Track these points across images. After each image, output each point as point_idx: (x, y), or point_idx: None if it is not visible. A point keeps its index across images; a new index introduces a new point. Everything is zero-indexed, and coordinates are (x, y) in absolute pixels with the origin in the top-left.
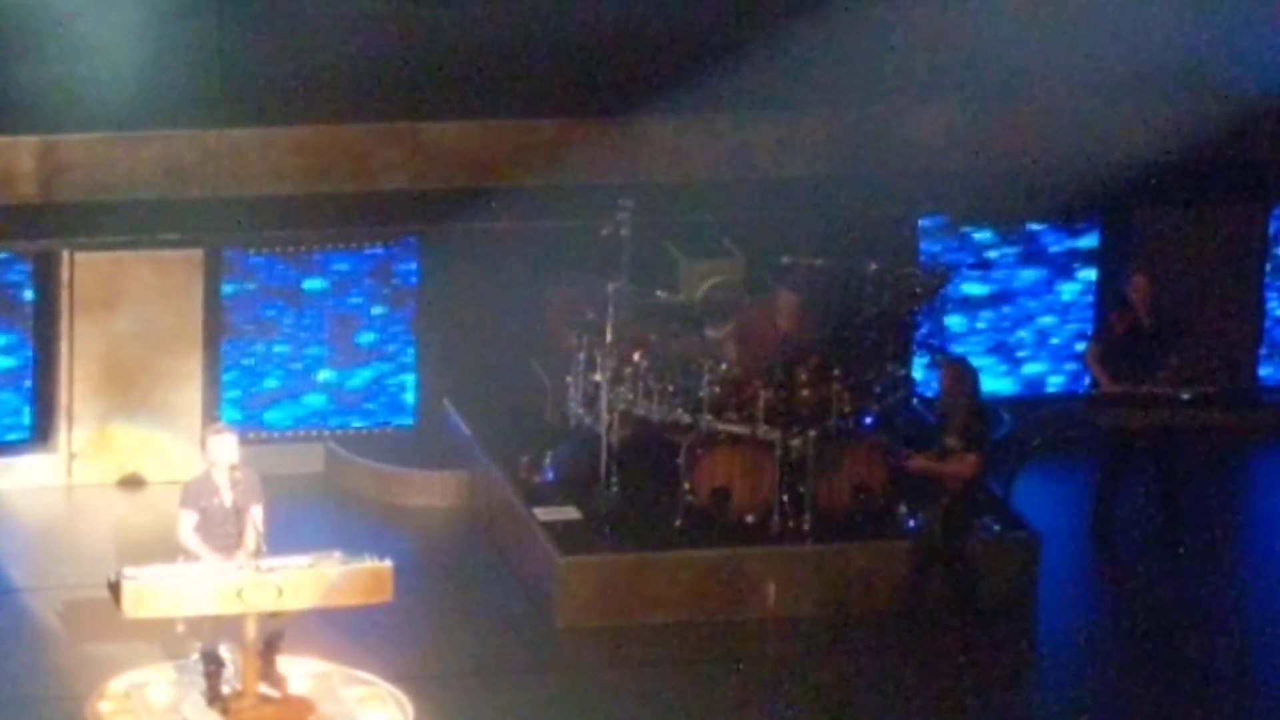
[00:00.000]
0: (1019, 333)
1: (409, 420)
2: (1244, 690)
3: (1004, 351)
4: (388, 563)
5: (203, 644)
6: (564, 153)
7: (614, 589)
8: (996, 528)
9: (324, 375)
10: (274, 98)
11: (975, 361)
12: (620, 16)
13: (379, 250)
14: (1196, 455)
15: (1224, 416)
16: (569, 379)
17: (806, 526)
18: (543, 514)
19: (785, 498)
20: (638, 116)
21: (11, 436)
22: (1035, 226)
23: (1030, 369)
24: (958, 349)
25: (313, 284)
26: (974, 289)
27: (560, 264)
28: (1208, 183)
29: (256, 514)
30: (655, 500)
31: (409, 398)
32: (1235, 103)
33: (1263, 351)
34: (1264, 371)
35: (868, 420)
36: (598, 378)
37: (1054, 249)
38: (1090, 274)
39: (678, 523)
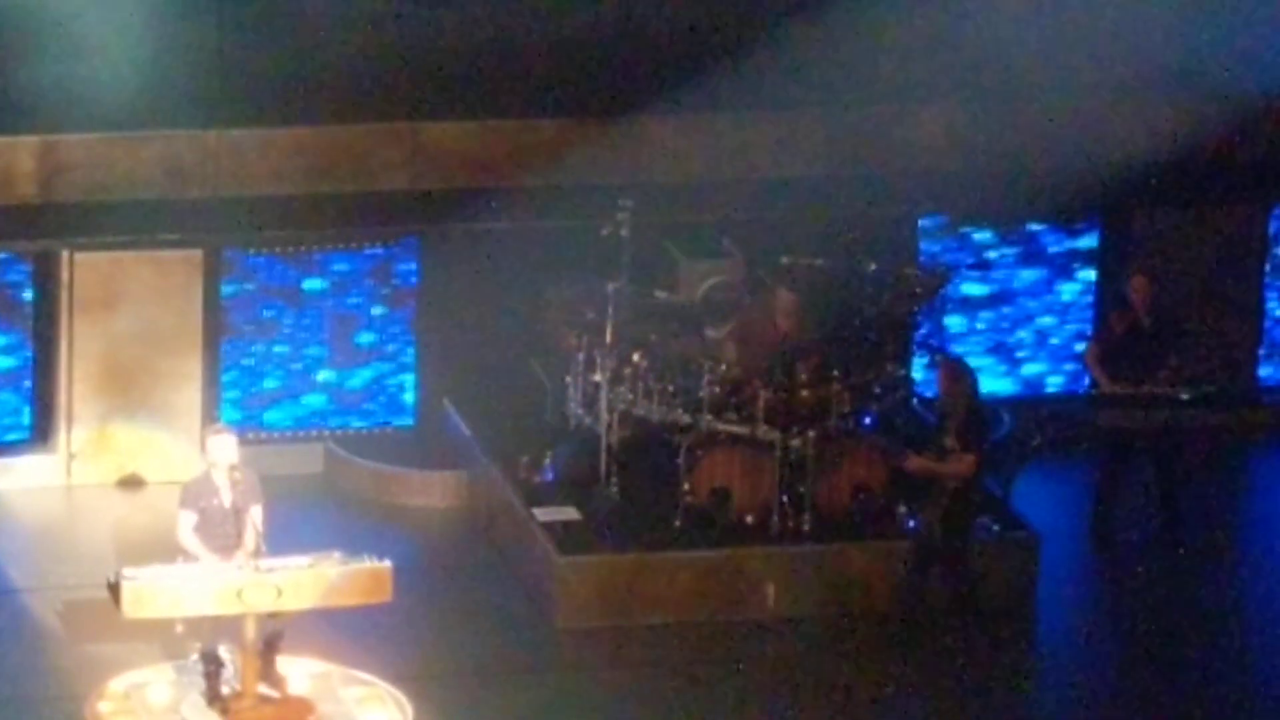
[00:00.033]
0: (1019, 333)
1: (409, 420)
2: (1244, 690)
3: (1003, 352)
4: (387, 563)
5: (202, 644)
6: (564, 153)
7: (614, 589)
8: (996, 528)
9: (324, 375)
10: (274, 98)
11: (975, 362)
12: (620, 16)
13: (379, 250)
14: (1196, 455)
15: (1224, 416)
16: (568, 379)
17: (806, 527)
18: (542, 514)
19: (785, 498)
20: (638, 116)
21: (11, 437)
22: (1035, 227)
23: (1030, 369)
24: (957, 349)
25: (312, 284)
26: (974, 289)
27: (560, 264)
28: (1208, 183)
29: (256, 514)
30: (655, 500)
31: (408, 398)
32: (1235, 103)
33: (1262, 351)
34: (1264, 371)
35: (867, 420)
36: (597, 378)
37: (1053, 249)
38: (1090, 274)
39: (677, 523)
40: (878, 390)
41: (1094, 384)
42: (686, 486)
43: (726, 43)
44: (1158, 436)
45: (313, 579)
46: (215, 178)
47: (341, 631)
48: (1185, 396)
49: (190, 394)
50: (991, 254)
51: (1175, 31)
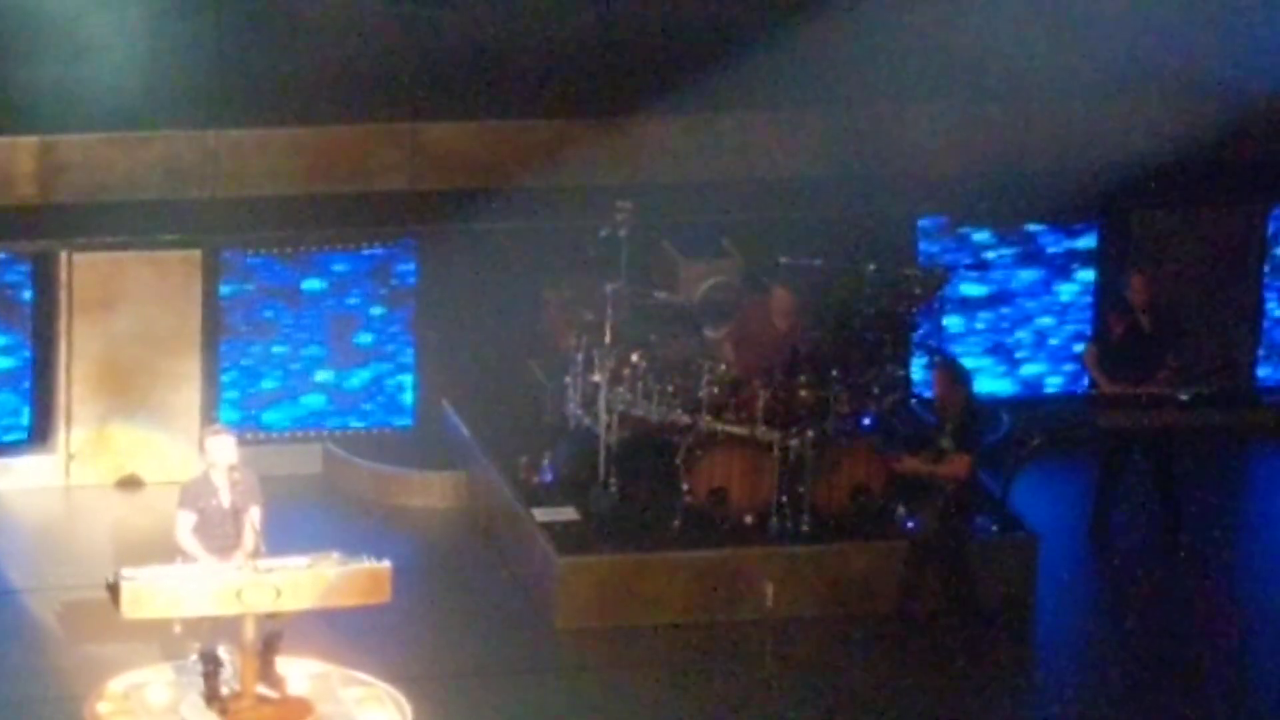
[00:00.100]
0: (1017, 333)
1: (407, 421)
2: (1243, 690)
3: (1002, 352)
4: (386, 563)
5: (201, 645)
6: (563, 153)
7: (613, 590)
8: (995, 528)
9: (322, 376)
10: (273, 98)
11: (974, 362)
12: (620, 16)
13: (378, 251)
14: (1195, 455)
15: (1223, 417)
16: (567, 380)
17: (805, 527)
18: (541, 515)
19: (784, 498)
20: (637, 117)
21: (10, 437)
22: (1034, 227)
23: (1029, 370)
24: (956, 350)
25: (311, 285)
26: (972, 290)
27: (559, 265)
28: (1207, 183)
29: (255, 515)
30: (654, 501)
31: (407, 398)
32: (1235, 103)
33: (1261, 352)
34: (1262, 372)
35: (866, 421)
36: (596, 378)
37: (1052, 250)
38: (1089, 275)
39: (676, 523)
40: (876, 391)
41: (1093, 384)
42: (686, 487)
43: (726, 43)
44: (1157, 437)
45: (311, 579)
46: (214, 178)
47: (341, 632)
48: (1184, 397)
49: (189, 394)
50: (990, 254)
51: (1175, 31)
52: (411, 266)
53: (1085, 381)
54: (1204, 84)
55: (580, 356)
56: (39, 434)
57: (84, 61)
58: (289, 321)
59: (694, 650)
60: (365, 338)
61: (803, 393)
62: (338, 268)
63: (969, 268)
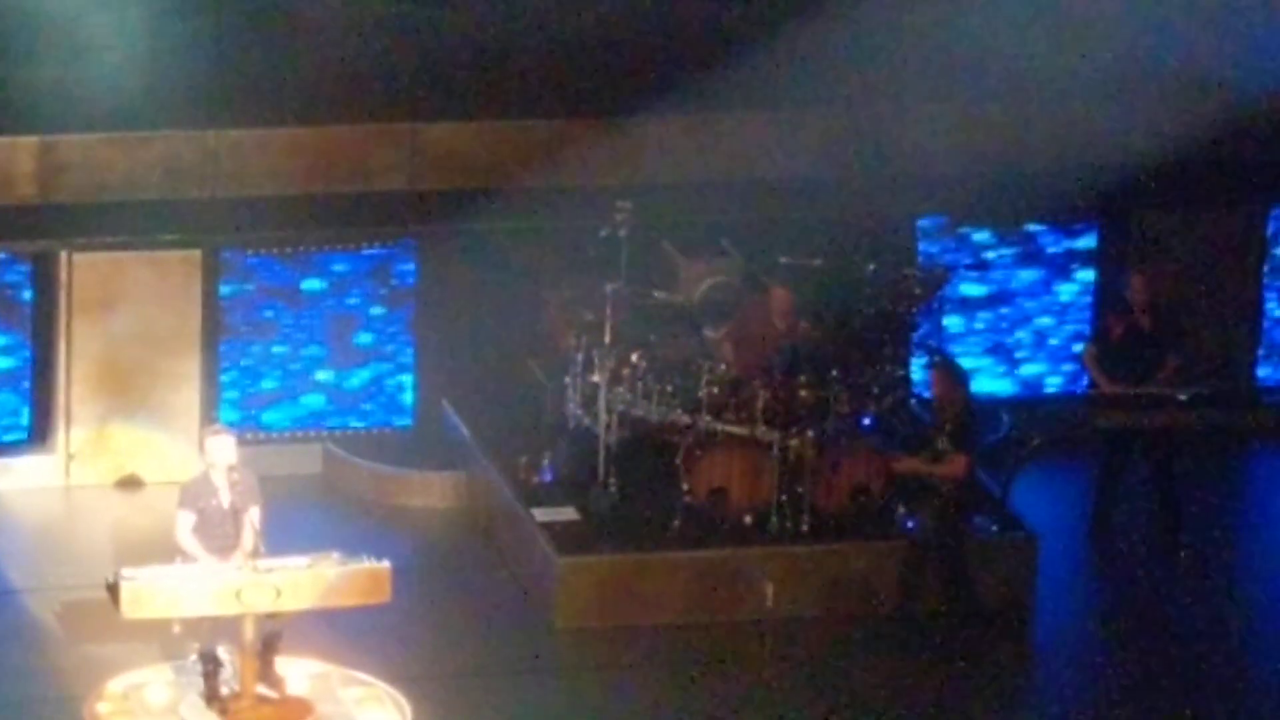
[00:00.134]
0: (1017, 333)
1: (407, 421)
2: (1243, 690)
3: (1002, 352)
4: (386, 563)
5: (201, 645)
6: (563, 153)
7: (612, 589)
8: (994, 528)
9: (322, 376)
10: (273, 98)
11: (973, 362)
12: (620, 16)
13: (377, 251)
14: (1195, 455)
15: (1222, 417)
16: (567, 380)
17: (805, 527)
18: (541, 515)
19: (783, 498)
20: (636, 117)
21: (10, 437)
22: (1033, 227)
23: (1028, 370)
24: (956, 350)
25: (311, 285)
26: (972, 290)
27: (559, 265)
28: (1207, 183)
29: (254, 515)
30: (654, 501)
31: (407, 398)
32: (1235, 103)
33: (1261, 352)
34: (1262, 372)
35: (866, 421)
36: (596, 378)
37: (1052, 250)
38: (1088, 275)
39: (676, 523)
40: (876, 391)
41: (1092, 384)
42: (685, 487)
43: (726, 43)
44: (1156, 437)
45: (311, 579)
46: (214, 178)
47: (340, 632)
48: (1184, 397)
49: (189, 394)
50: (990, 254)
51: (1175, 31)
52: (411, 266)
53: (1085, 381)
54: (1204, 84)
55: (580, 356)
56: (39, 434)
57: (84, 61)
58: (289, 321)
59: (694, 650)
60: (365, 338)
61: (803, 393)
62: (337, 268)
63: (969, 268)
